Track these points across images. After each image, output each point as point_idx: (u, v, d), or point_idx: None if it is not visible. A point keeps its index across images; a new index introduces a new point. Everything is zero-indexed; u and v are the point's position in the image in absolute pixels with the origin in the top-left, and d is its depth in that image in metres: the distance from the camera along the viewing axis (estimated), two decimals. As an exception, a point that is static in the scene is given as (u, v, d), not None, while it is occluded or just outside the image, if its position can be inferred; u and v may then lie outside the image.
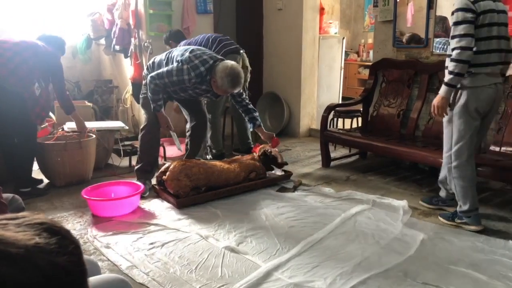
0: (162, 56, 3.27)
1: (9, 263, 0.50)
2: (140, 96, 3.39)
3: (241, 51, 4.01)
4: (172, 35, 4.21)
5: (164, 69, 3.06)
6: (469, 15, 2.39)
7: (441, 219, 2.76)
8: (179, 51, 3.15)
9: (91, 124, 3.76)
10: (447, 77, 2.46)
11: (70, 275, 0.55)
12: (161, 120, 3.23)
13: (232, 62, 3.09)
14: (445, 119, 2.63)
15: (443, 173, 2.89)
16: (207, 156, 4.05)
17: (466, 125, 2.53)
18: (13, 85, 3.01)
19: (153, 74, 3.07)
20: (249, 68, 4.14)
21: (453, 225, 2.68)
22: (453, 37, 2.43)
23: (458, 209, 2.68)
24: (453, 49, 2.42)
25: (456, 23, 2.41)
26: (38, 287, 0.51)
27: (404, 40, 3.95)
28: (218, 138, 4.16)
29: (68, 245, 0.57)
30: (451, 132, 2.61)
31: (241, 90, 3.31)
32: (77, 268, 0.57)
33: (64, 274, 0.54)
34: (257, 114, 3.46)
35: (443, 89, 2.50)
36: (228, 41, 3.99)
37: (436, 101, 2.54)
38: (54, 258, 0.53)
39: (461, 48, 2.38)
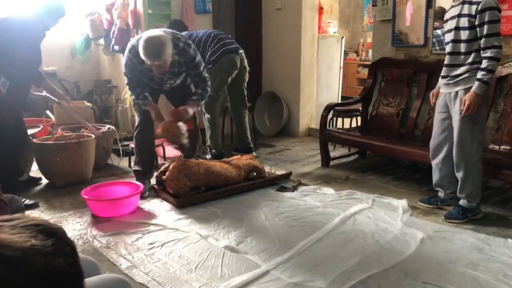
0: None
1: (6, 266, 0.49)
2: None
3: (240, 51, 4.00)
4: (171, 25, 4.10)
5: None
6: (499, 15, 2.47)
7: (451, 221, 2.71)
8: None
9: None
10: (486, 75, 2.47)
11: (67, 277, 0.54)
12: (153, 112, 3.07)
13: (154, 32, 2.90)
14: (461, 118, 2.59)
15: (437, 176, 2.89)
16: (207, 156, 4.05)
17: (485, 118, 2.69)
18: None
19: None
20: (248, 69, 4.13)
21: (461, 223, 2.68)
22: (490, 35, 2.45)
23: (470, 205, 2.70)
24: (488, 48, 2.46)
25: (492, 22, 2.44)
26: None
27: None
28: (218, 138, 4.15)
29: (64, 246, 0.56)
30: (473, 128, 2.60)
31: (200, 70, 3.14)
32: (73, 270, 0.56)
33: (60, 276, 0.53)
34: (201, 91, 3.18)
35: (479, 86, 2.48)
36: (229, 39, 3.99)
37: (471, 98, 2.50)
38: (50, 260, 0.53)
39: (499, 47, 2.46)
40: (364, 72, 7.02)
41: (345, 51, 6.30)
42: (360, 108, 4.30)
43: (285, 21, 5.21)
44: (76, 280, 0.56)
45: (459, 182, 2.73)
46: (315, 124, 5.28)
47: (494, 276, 2.07)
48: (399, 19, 3.94)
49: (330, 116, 4.31)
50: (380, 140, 3.56)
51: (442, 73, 2.74)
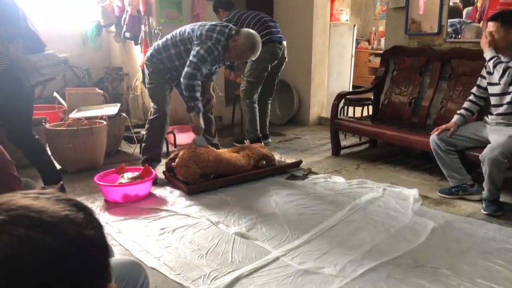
0: (163, 39, 3.24)
1: (43, 230, 0.53)
2: (148, 86, 3.31)
3: (284, 42, 4.11)
4: (220, 2, 4.22)
5: (193, 59, 2.96)
6: None
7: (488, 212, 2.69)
8: (188, 29, 3.14)
9: (80, 114, 3.70)
10: None
11: (97, 248, 0.57)
12: (198, 125, 3.16)
13: (251, 30, 3.23)
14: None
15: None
16: (245, 141, 4.15)
17: None
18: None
19: (189, 70, 2.95)
20: (287, 59, 4.23)
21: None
22: None
23: (493, 197, 2.69)
24: None
25: None
26: (67, 256, 0.53)
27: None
28: (256, 122, 4.19)
29: (93, 221, 0.60)
30: None
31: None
32: (103, 243, 0.60)
33: (91, 246, 0.56)
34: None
35: None
36: (275, 28, 4.10)
37: None
38: (83, 230, 0.56)
39: None
40: (376, 61, 6.95)
41: (356, 39, 6.23)
42: (372, 97, 4.26)
43: (296, 8, 5.15)
44: (104, 253, 0.59)
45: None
46: (326, 113, 5.25)
47: (506, 266, 2.06)
48: (412, 6, 3.88)
49: (341, 104, 4.28)
50: (391, 129, 3.53)
51: (496, 115, 2.82)
